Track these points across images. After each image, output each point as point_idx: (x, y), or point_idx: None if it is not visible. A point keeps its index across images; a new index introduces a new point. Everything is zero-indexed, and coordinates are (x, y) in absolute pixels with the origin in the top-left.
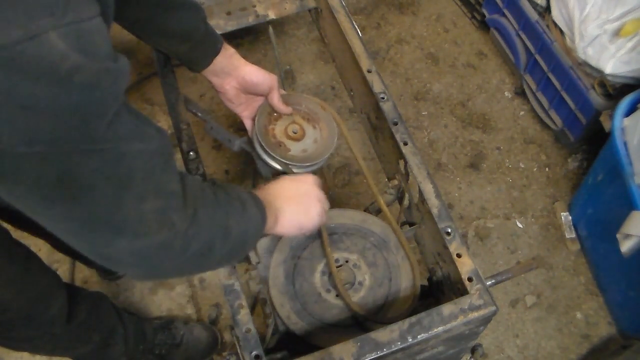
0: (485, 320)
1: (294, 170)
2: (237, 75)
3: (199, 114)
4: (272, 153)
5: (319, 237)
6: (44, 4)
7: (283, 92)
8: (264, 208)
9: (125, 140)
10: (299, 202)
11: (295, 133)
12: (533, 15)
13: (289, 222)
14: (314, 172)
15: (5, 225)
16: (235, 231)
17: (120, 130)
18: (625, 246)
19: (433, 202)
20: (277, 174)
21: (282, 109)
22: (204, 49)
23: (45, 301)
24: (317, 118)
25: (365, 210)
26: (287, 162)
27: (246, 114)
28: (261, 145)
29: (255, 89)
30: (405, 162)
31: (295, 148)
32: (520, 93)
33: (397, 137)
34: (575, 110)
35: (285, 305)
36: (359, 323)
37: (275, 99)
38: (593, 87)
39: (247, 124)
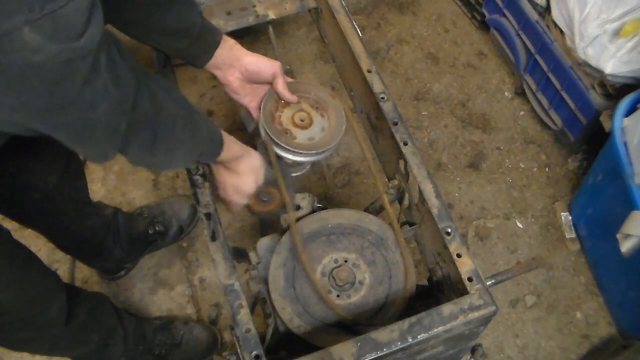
0: (485, 320)
1: (300, 158)
2: (239, 65)
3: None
4: (277, 140)
5: (316, 237)
6: (23, 1)
7: (293, 80)
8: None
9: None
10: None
11: (302, 121)
12: (533, 15)
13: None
14: (318, 163)
15: (7, 225)
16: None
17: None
18: (625, 246)
19: (433, 202)
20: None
21: (287, 96)
22: (203, 43)
23: (44, 303)
24: (326, 106)
25: (365, 210)
26: (293, 149)
27: (253, 104)
28: (266, 132)
29: (259, 78)
30: (405, 162)
31: (301, 136)
32: (520, 93)
33: (397, 137)
34: (575, 110)
35: (287, 308)
36: (360, 323)
37: (280, 86)
38: (593, 87)
39: (255, 114)
